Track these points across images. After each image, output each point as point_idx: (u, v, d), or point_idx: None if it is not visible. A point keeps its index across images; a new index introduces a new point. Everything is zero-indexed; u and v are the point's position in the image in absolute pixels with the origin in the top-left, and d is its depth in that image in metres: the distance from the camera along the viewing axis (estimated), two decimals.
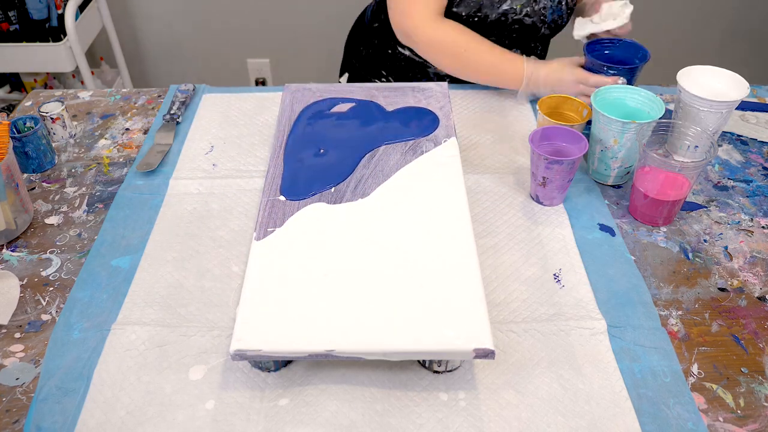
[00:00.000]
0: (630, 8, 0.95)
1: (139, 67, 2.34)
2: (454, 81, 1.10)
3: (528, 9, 1.02)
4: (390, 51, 1.13)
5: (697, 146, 0.83)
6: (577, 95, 0.95)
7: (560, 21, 1.07)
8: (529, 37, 1.07)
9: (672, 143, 0.87)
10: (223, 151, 0.95)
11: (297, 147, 0.85)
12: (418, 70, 1.12)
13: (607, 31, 1.00)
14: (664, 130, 0.84)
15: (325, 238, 0.71)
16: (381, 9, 1.14)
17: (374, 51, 1.16)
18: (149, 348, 0.67)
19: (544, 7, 1.03)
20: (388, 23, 1.12)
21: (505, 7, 1.01)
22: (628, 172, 0.88)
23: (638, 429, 0.60)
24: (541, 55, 1.14)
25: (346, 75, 1.25)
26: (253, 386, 0.64)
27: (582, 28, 0.99)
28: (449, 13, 1.03)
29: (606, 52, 1.00)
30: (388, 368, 0.65)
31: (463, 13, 1.01)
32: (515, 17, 1.02)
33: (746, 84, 0.86)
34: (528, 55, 1.11)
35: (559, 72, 0.98)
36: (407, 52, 1.11)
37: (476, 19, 1.02)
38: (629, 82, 0.96)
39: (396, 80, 1.15)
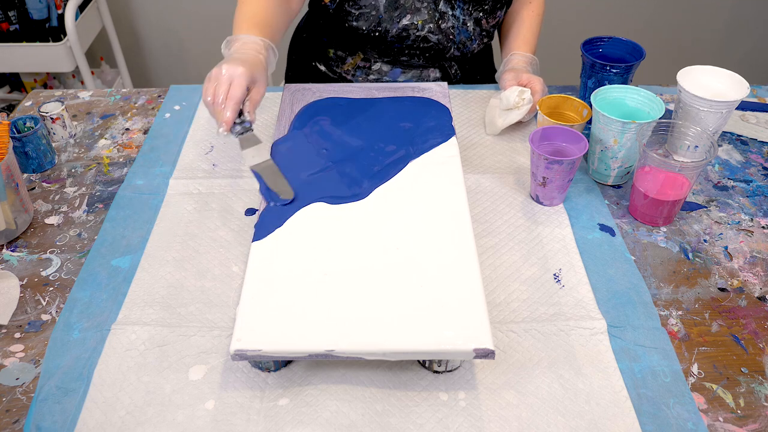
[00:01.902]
0: (527, 92, 0.92)
1: (139, 67, 2.34)
2: (452, 81, 1.10)
3: (431, 25, 0.99)
4: (313, 64, 1.13)
5: (697, 146, 0.83)
6: None
7: (469, 43, 1.04)
8: (440, 57, 1.05)
9: (672, 143, 0.87)
10: (223, 151, 0.95)
11: (298, 153, 0.85)
12: (335, 81, 1.11)
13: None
14: (664, 130, 0.84)
15: (325, 238, 0.71)
16: (310, 20, 1.14)
17: (300, 62, 1.16)
18: (149, 348, 0.67)
19: (452, 27, 1.01)
20: (309, 37, 1.11)
21: (405, 22, 0.98)
22: (628, 172, 0.88)
23: (638, 429, 0.60)
24: (458, 77, 1.11)
25: (282, 83, 1.24)
26: (253, 386, 0.64)
27: (493, 127, 0.96)
28: (348, 28, 1.00)
29: (601, 50, 1.00)
30: (388, 368, 0.65)
31: (364, 28, 0.99)
32: (418, 33, 0.99)
33: (746, 84, 0.86)
34: (445, 75, 1.09)
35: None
36: (323, 68, 1.10)
37: (377, 34, 0.99)
38: (626, 80, 0.96)
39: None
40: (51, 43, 1.82)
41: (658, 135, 0.84)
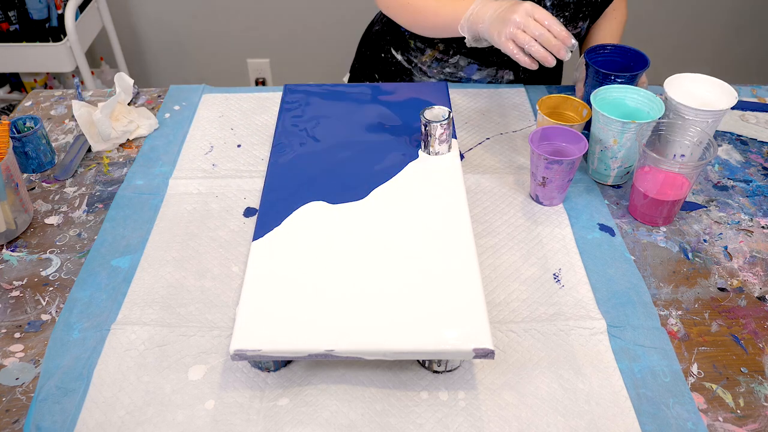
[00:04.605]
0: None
1: (139, 67, 2.34)
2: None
3: None
4: (383, 55, 1.13)
5: (683, 155, 0.83)
6: (509, 36, 0.83)
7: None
8: None
9: (661, 148, 0.86)
10: (223, 151, 0.95)
11: (298, 151, 0.85)
12: (405, 75, 1.12)
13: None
14: (663, 130, 0.84)
15: (325, 237, 0.71)
16: (383, 14, 1.15)
17: (371, 54, 1.16)
18: (149, 348, 0.67)
19: None
20: (386, 28, 1.13)
21: None
22: (628, 172, 0.88)
23: (638, 429, 0.60)
24: (523, 77, 1.10)
25: (348, 75, 1.26)
26: (253, 386, 0.64)
27: None
28: None
29: (600, 59, 0.99)
30: (388, 368, 0.65)
31: None
32: None
33: (734, 93, 0.85)
34: (516, 76, 1.08)
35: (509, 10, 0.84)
36: (399, 57, 1.11)
37: None
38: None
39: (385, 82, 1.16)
40: (51, 43, 1.83)
41: (658, 135, 0.84)
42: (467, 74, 1.08)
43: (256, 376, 0.65)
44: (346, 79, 1.26)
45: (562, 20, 1.01)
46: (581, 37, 1.08)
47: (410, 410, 0.62)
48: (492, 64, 1.07)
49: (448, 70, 1.08)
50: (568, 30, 0.99)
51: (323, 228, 0.73)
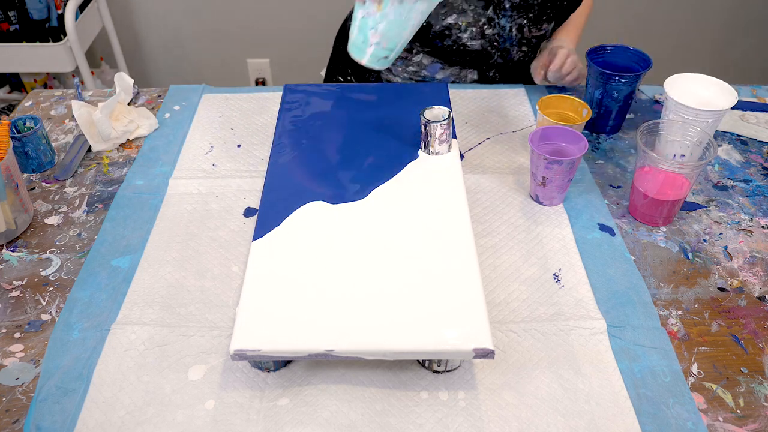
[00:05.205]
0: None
1: (139, 67, 2.34)
2: (452, 82, 1.11)
3: (474, 29, 1.00)
4: None
5: (683, 155, 0.82)
6: None
7: (512, 50, 1.05)
8: (482, 62, 1.06)
9: (661, 148, 0.86)
10: (223, 151, 0.95)
11: (297, 152, 0.85)
12: (373, 71, 1.13)
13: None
14: (663, 130, 0.84)
15: (325, 237, 0.71)
16: None
17: (343, 49, 1.17)
18: (149, 348, 0.67)
19: (498, 34, 1.02)
20: None
21: (449, 20, 0.99)
22: (387, 57, 0.71)
23: (638, 429, 0.60)
24: (497, 79, 1.12)
25: (325, 69, 1.26)
26: (252, 386, 0.64)
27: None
28: None
29: (605, 59, 0.98)
30: (388, 368, 0.65)
31: None
32: (459, 34, 1.00)
33: (734, 93, 0.85)
34: (482, 78, 1.10)
35: None
36: None
37: (423, 25, 1.00)
38: (633, 89, 0.94)
39: (356, 80, 1.17)
40: (51, 43, 1.82)
41: (658, 135, 0.84)
42: (431, 73, 1.08)
43: (256, 376, 0.65)
44: (323, 72, 1.27)
45: (525, 22, 1.03)
46: (546, 39, 1.09)
47: (410, 410, 0.62)
48: (455, 63, 1.07)
49: (411, 68, 1.09)
50: (532, 32, 1.04)
51: (323, 228, 0.73)
